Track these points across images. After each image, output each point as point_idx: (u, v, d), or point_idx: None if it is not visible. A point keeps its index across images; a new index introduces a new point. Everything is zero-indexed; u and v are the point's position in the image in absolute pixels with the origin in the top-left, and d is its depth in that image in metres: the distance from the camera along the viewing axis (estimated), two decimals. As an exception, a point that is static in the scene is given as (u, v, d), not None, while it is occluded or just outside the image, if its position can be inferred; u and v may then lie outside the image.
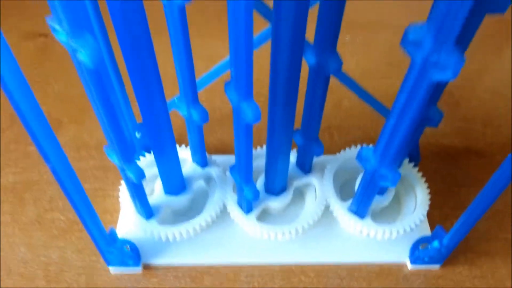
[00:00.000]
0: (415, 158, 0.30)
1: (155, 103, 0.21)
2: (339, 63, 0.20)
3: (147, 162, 0.29)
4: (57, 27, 0.16)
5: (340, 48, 0.20)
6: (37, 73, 0.39)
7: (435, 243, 0.25)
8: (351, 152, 0.29)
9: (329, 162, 0.29)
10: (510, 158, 0.18)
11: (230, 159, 0.26)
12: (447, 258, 0.27)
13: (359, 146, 0.30)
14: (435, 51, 0.15)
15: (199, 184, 0.29)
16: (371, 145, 0.22)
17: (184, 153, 0.29)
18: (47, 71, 0.39)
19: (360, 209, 0.26)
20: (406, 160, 0.29)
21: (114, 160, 0.22)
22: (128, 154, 0.21)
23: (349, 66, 0.40)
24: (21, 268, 0.27)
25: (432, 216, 0.29)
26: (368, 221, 0.26)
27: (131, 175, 0.22)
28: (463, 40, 0.19)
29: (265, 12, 0.22)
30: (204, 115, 0.24)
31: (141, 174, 0.22)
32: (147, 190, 0.26)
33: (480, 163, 0.34)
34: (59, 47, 0.15)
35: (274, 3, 0.16)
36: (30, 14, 0.44)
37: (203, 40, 0.41)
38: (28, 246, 0.28)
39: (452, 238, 0.24)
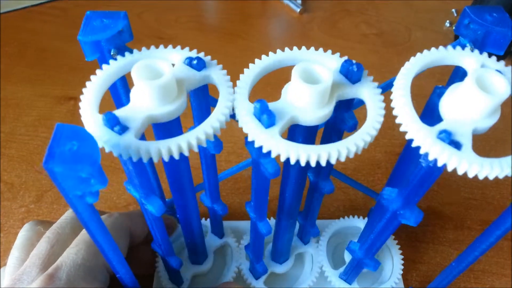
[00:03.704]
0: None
1: (189, 210, 0.27)
2: (331, 187, 0.26)
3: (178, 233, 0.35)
4: (131, 189, 0.22)
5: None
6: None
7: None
8: (341, 222, 0.36)
9: (324, 230, 0.36)
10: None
11: (245, 224, 0.33)
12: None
13: (346, 218, 0.36)
14: (402, 208, 0.22)
15: (218, 251, 0.36)
16: (357, 241, 0.29)
17: (206, 225, 0.35)
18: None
19: (349, 278, 0.32)
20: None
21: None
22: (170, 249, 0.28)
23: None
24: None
25: None
26: (355, 285, 0.33)
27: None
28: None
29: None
30: (224, 209, 0.30)
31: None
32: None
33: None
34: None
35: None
36: (61, 81, 0.51)
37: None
38: None
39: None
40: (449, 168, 0.16)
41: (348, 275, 0.32)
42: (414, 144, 0.17)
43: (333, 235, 0.36)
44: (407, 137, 0.17)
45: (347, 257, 0.34)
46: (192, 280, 0.34)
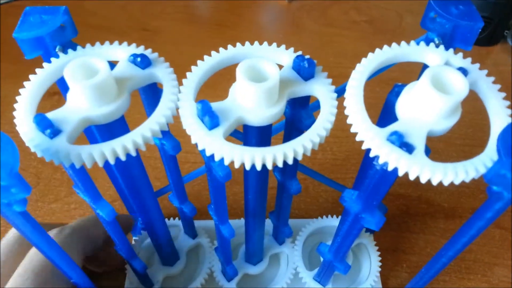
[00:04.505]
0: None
1: (150, 213, 0.26)
2: (298, 187, 0.25)
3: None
4: (80, 193, 0.21)
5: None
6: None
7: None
8: (319, 222, 0.35)
9: (301, 229, 0.35)
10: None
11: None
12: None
13: (324, 218, 0.35)
14: (363, 211, 0.21)
15: (191, 251, 0.35)
16: (329, 243, 0.28)
17: (179, 225, 0.34)
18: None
19: (322, 280, 0.31)
20: (363, 230, 0.34)
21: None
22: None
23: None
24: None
25: (386, 260, 0.35)
26: (329, 286, 0.32)
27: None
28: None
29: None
30: (193, 210, 0.29)
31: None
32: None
33: (430, 211, 0.39)
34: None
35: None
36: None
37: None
38: None
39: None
40: (400, 173, 0.15)
41: (322, 277, 0.31)
42: (364, 146, 0.16)
43: (311, 235, 0.35)
44: (357, 138, 0.16)
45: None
46: (163, 282, 0.33)
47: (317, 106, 0.21)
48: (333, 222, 0.35)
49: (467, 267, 0.36)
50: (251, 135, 0.19)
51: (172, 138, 0.23)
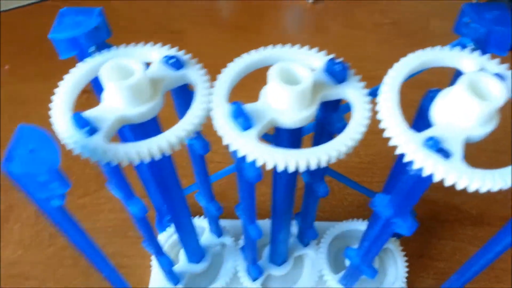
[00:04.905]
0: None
1: (178, 210, 0.26)
2: (326, 189, 0.25)
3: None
4: (114, 189, 0.21)
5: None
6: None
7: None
8: (345, 225, 0.35)
9: (326, 232, 0.34)
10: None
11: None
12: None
13: (350, 220, 0.35)
14: (394, 216, 0.20)
15: (216, 249, 0.35)
16: (356, 246, 0.27)
17: (204, 223, 0.35)
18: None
19: (348, 283, 0.31)
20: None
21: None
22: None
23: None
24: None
25: (413, 266, 0.34)
26: (355, 291, 0.32)
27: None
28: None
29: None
30: (219, 209, 0.30)
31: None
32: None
33: (459, 218, 0.38)
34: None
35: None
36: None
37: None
38: None
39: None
40: (436, 179, 0.15)
41: (347, 281, 0.31)
42: (398, 151, 0.16)
43: (336, 238, 0.35)
44: (391, 143, 0.16)
45: (348, 261, 0.32)
46: (188, 279, 0.33)
47: (346, 108, 0.21)
48: (359, 225, 0.35)
49: (497, 276, 0.35)
50: (283, 136, 0.19)
51: (202, 138, 0.23)
